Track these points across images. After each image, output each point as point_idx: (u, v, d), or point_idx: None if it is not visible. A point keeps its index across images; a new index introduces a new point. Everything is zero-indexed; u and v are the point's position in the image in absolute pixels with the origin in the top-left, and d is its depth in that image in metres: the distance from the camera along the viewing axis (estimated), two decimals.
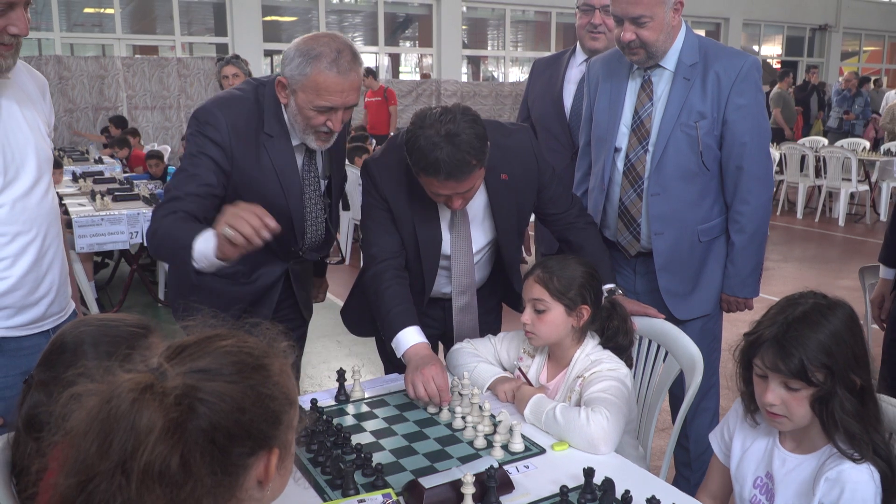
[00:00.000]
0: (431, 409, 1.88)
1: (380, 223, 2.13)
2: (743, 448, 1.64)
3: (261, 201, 1.92)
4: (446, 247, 2.16)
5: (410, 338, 1.99)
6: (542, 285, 1.90)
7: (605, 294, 2.06)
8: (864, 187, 8.82)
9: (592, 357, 1.90)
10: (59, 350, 1.29)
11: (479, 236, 2.19)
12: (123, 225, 4.80)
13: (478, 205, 2.15)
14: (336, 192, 2.29)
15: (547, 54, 3.22)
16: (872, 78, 14.56)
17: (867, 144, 9.86)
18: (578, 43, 2.90)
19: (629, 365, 1.96)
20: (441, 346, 2.41)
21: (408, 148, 1.92)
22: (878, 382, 2.46)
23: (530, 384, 1.96)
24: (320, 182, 2.20)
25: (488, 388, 1.97)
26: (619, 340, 1.98)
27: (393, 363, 2.24)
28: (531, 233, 3.72)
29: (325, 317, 2.58)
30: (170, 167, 6.77)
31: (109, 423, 0.85)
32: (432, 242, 2.14)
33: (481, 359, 2.06)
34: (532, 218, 2.35)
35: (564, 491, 1.41)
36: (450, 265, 2.18)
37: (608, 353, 1.92)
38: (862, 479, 1.40)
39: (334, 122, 1.99)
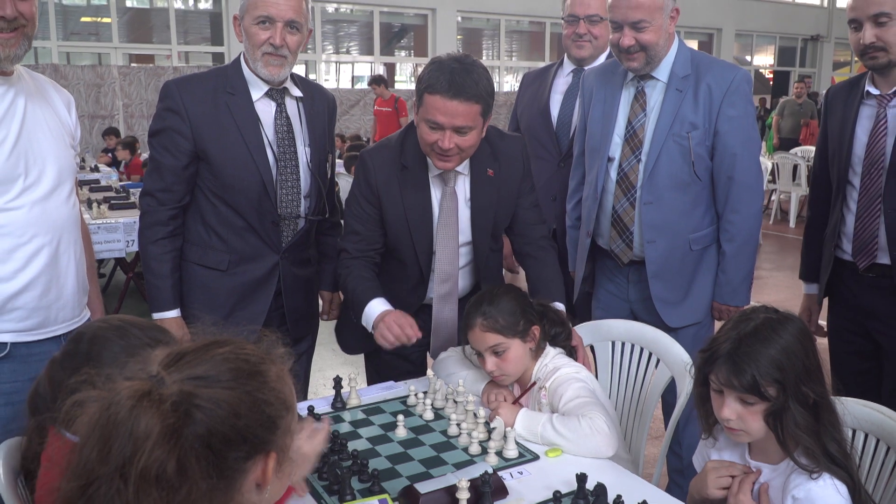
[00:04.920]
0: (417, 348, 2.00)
1: (360, 217, 2.18)
2: None
3: (225, 158, 2.11)
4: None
5: (377, 307, 2.07)
6: (492, 331, 1.89)
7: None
8: None
9: (550, 366, 1.94)
10: (77, 342, 1.38)
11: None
12: (120, 233, 4.80)
13: (459, 195, 2.17)
14: (317, 162, 2.28)
15: (541, 64, 3.29)
16: None
17: None
18: (566, 53, 2.96)
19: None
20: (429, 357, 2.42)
21: (419, 75, 2.00)
22: (832, 388, 2.46)
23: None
24: (295, 141, 2.21)
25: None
26: (561, 342, 2.02)
27: (380, 377, 2.26)
28: None
29: (320, 326, 2.59)
30: None
31: (109, 429, 0.88)
32: (424, 231, 2.16)
33: (470, 364, 2.07)
34: None
35: (557, 496, 1.43)
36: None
37: (566, 359, 1.97)
38: (829, 496, 1.41)
39: (275, 36, 2.04)
